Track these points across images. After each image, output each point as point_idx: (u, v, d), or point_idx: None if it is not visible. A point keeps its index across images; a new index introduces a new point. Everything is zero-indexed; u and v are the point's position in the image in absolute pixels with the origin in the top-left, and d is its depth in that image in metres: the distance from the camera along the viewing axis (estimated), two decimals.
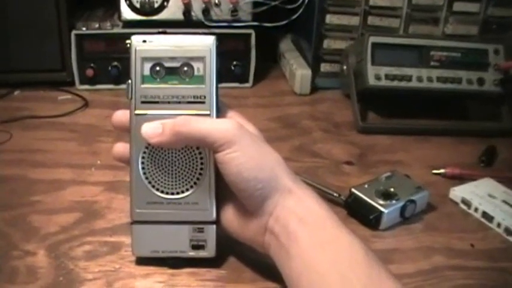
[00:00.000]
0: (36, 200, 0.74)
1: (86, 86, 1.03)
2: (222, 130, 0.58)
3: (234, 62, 1.06)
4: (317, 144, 0.91)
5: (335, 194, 0.76)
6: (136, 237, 0.63)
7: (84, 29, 1.00)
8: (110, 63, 1.02)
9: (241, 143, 0.58)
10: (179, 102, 0.60)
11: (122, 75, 1.02)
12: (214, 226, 0.62)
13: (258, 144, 0.61)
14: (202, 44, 0.61)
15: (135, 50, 0.60)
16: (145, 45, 0.61)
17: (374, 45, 0.97)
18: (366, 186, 0.75)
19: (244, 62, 1.07)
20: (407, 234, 0.72)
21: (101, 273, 0.64)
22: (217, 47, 0.61)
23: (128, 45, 0.61)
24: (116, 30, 1.02)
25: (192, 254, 0.63)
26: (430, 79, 0.96)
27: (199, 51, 0.61)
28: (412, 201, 0.73)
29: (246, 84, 1.09)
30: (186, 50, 0.61)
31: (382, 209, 0.71)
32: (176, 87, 0.61)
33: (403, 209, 0.73)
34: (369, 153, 0.89)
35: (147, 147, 0.61)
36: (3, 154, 0.84)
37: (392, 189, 0.74)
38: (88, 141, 0.88)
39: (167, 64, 0.61)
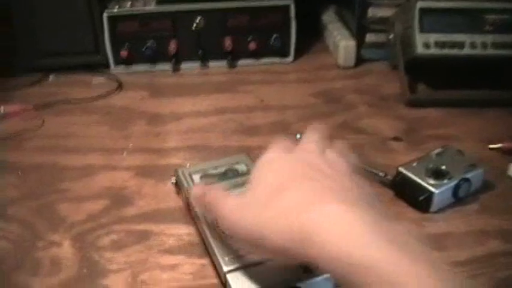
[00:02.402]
0: (64, 188, 0.70)
1: (121, 68, 0.97)
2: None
3: (273, 36, 0.98)
4: (362, 120, 0.82)
5: (381, 174, 0.68)
6: (237, 284, 0.52)
7: (116, 9, 0.94)
8: (144, 43, 0.95)
9: None
10: (234, 186, 0.62)
11: (157, 54, 0.96)
12: None
13: None
14: (237, 156, 0.69)
15: (181, 172, 0.66)
16: (188, 168, 0.67)
17: (422, 10, 0.86)
18: (415, 164, 0.66)
19: (283, 35, 0.98)
20: (461, 217, 0.63)
21: (126, 264, 0.58)
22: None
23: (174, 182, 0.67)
24: (149, 9, 0.95)
25: (307, 276, 0.52)
26: (484, 45, 0.85)
27: (235, 158, 0.68)
28: (466, 180, 0.64)
29: (287, 59, 1.00)
30: (224, 161, 0.68)
31: (432, 189, 0.63)
32: (228, 180, 0.64)
33: (456, 189, 0.64)
34: (418, 128, 0.80)
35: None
36: (34, 141, 0.79)
37: (443, 167, 0.65)
38: (121, 125, 0.82)
39: (213, 171, 0.66)
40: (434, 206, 0.63)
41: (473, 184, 0.65)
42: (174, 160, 0.74)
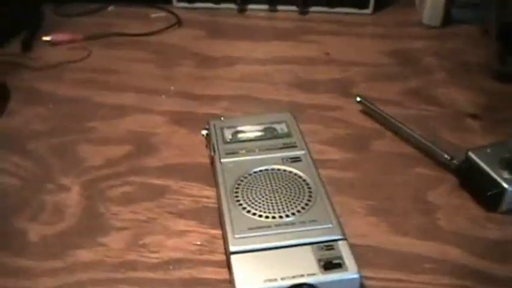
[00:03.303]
0: (91, 126, 0.62)
1: (183, 4, 0.87)
2: None
3: None
4: (438, 89, 0.68)
5: (446, 156, 0.55)
6: (240, 269, 0.42)
7: None
8: None
9: None
10: (268, 149, 0.53)
11: None
12: (346, 242, 0.44)
13: None
14: (279, 114, 0.58)
15: (213, 125, 0.57)
16: (222, 121, 0.58)
17: None
18: (489, 150, 0.52)
19: None
20: None
21: (131, 222, 0.50)
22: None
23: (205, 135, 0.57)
24: None
25: (326, 276, 0.41)
26: None
27: (278, 116, 0.58)
28: None
29: (366, 11, 0.85)
30: (264, 117, 0.58)
31: (505, 184, 0.49)
32: (262, 141, 0.55)
33: None
34: (502, 107, 0.65)
35: (238, 184, 0.49)
36: (75, 73, 0.72)
37: None
38: (168, 64, 0.73)
39: (248, 129, 0.56)
40: (505, 205, 0.50)
41: None
42: (215, 110, 0.64)
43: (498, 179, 0.49)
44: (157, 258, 0.47)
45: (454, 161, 0.54)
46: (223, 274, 0.45)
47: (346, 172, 0.56)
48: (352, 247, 0.46)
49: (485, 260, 0.46)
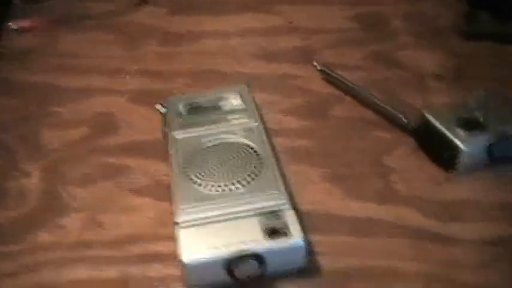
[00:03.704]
0: (54, 111, 0.61)
1: None
2: None
3: None
4: (403, 51, 0.66)
5: (403, 119, 0.54)
6: (186, 241, 0.42)
7: None
8: None
9: None
10: (220, 122, 0.53)
11: None
12: (292, 211, 0.43)
13: None
14: (235, 87, 0.58)
15: (169, 101, 0.57)
16: (178, 97, 0.58)
17: None
18: (446, 110, 0.52)
19: None
20: (493, 183, 0.49)
21: (88, 203, 0.50)
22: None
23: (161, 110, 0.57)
24: None
25: (271, 243, 0.41)
26: None
27: (234, 89, 0.57)
28: (506, 137, 0.49)
29: None
30: (220, 91, 0.57)
31: (460, 144, 0.48)
32: (216, 115, 0.54)
33: (491, 147, 0.49)
34: (467, 66, 0.63)
35: (190, 157, 0.49)
36: (41, 59, 0.70)
37: (481, 118, 0.50)
38: (132, 45, 0.72)
39: (204, 103, 0.56)
40: (461, 165, 0.49)
41: None
42: (177, 86, 0.63)
43: (454, 140, 0.49)
44: (112, 235, 0.47)
45: (412, 124, 0.53)
46: (174, 247, 0.44)
47: (303, 140, 0.55)
48: (305, 214, 0.46)
49: (439, 220, 0.46)
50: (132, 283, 0.44)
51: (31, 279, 0.44)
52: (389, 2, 0.76)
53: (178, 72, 0.66)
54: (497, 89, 0.56)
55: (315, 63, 0.61)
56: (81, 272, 0.44)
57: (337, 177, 0.51)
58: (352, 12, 0.74)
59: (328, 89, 0.61)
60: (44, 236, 0.48)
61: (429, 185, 0.49)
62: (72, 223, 0.49)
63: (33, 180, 0.53)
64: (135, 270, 0.44)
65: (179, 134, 0.52)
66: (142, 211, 0.49)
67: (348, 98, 0.59)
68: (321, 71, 0.61)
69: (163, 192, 0.49)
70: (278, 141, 0.54)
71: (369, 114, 0.57)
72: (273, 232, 0.42)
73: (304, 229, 0.44)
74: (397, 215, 0.46)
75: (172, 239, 0.44)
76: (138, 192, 0.51)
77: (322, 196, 0.49)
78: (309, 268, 0.42)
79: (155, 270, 0.44)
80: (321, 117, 0.58)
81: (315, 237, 0.45)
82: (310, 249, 0.43)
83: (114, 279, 0.44)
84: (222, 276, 0.41)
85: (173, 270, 0.43)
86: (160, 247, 0.45)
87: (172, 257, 0.43)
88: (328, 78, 0.61)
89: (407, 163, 0.51)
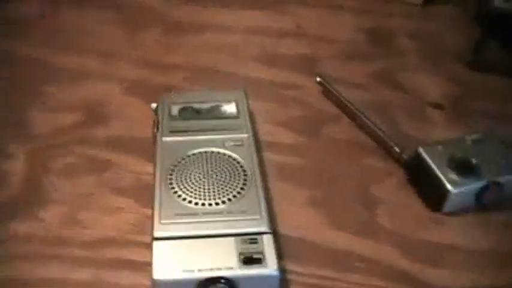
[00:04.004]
0: (46, 91, 0.60)
1: None
2: None
3: None
4: (406, 73, 0.65)
5: (396, 149, 0.53)
6: (159, 257, 0.41)
7: None
8: None
9: None
10: (212, 130, 0.52)
11: None
12: (271, 236, 0.42)
13: None
14: (232, 92, 0.56)
15: (162, 99, 0.55)
16: (172, 96, 0.57)
17: None
18: (440, 147, 0.50)
19: None
20: (479, 229, 0.48)
21: (70, 196, 0.50)
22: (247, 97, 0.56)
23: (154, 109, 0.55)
24: None
25: (244, 271, 0.40)
26: None
27: (230, 94, 0.56)
28: (497, 184, 0.48)
29: None
30: (216, 94, 0.56)
31: (449, 186, 0.47)
32: (208, 121, 0.53)
33: (480, 193, 0.48)
34: (470, 98, 0.62)
35: (175, 165, 0.48)
36: (40, 30, 0.69)
37: (474, 160, 0.49)
38: (135, 27, 0.70)
39: (197, 106, 0.55)
40: (448, 206, 0.48)
41: (507, 191, 0.48)
42: (173, 80, 0.62)
43: (443, 180, 0.48)
44: (89, 235, 0.46)
45: (404, 155, 0.52)
46: (149, 256, 0.43)
47: (293, 157, 0.54)
48: (284, 239, 0.46)
49: (418, 263, 0.45)
50: None
51: (2, 271, 0.44)
52: (401, 16, 0.74)
53: (176, 65, 0.65)
54: (498, 127, 0.55)
55: (317, 77, 0.60)
56: (54, 271, 0.44)
57: (323, 202, 0.50)
58: (361, 22, 0.72)
59: (326, 105, 0.60)
60: (20, 227, 0.47)
61: (414, 223, 0.48)
62: (50, 217, 0.48)
63: (16, 165, 0.52)
64: (107, 275, 0.44)
65: (167, 138, 0.50)
66: (122, 214, 0.48)
67: (344, 118, 0.58)
68: (320, 84, 0.60)
69: (146, 195, 0.48)
70: (268, 155, 0.54)
71: (364, 138, 0.56)
72: (248, 259, 0.41)
73: (281, 256, 0.44)
74: (377, 251, 0.46)
75: (148, 248, 0.43)
76: (121, 192, 0.50)
77: (304, 221, 0.48)
78: None
79: (126, 277, 0.44)
80: (315, 135, 0.56)
81: (291, 266, 0.44)
82: (284, 278, 0.43)
83: (85, 282, 0.43)
84: None
85: (143, 280, 0.42)
86: (135, 255, 0.45)
87: (145, 267, 0.42)
88: (327, 93, 0.60)
89: (394, 196, 0.50)
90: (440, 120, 0.58)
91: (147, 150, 0.52)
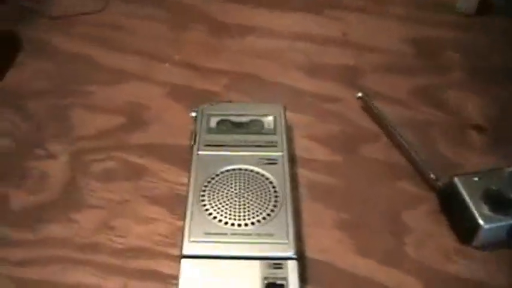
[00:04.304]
0: (90, 91, 0.62)
1: None
2: None
3: None
4: (449, 91, 0.63)
5: (431, 176, 0.52)
6: (186, 275, 0.42)
7: None
8: None
9: None
10: (248, 146, 0.52)
11: None
12: (295, 262, 0.43)
13: None
14: (271, 106, 0.56)
15: (202, 110, 0.56)
16: (212, 106, 0.56)
17: None
18: (476, 179, 0.49)
19: None
20: (507, 267, 0.47)
21: (105, 202, 0.51)
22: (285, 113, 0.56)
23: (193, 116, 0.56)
24: None
25: None
26: None
27: (269, 108, 0.56)
28: None
29: None
30: (255, 108, 0.56)
31: (481, 221, 0.46)
32: (244, 135, 0.53)
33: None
34: None
35: (208, 182, 0.49)
36: (86, 26, 0.71)
37: (511, 194, 0.48)
38: (179, 27, 0.71)
39: (235, 119, 0.55)
40: (479, 241, 0.47)
41: None
42: (215, 86, 0.63)
43: (475, 214, 0.47)
44: (121, 244, 0.48)
45: (439, 183, 0.51)
46: (176, 269, 0.44)
47: (327, 176, 0.54)
48: (310, 262, 0.46)
49: None
50: None
51: (37, 272, 0.46)
52: (450, 26, 0.72)
53: (219, 70, 0.65)
54: None
55: (359, 93, 0.60)
56: (85, 277, 0.46)
57: (351, 225, 0.50)
58: (409, 33, 0.71)
59: (365, 121, 0.59)
60: (56, 230, 0.49)
61: (441, 255, 0.47)
62: (85, 221, 0.50)
63: (58, 165, 0.55)
64: (135, 285, 0.45)
65: (203, 152, 0.51)
66: (155, 224, 0.50)
67: (383, 137, 0.57)
68: (361, 99, 0.60)
69: (178, 206, 0.49)
70: (302, 172, 0.54)
71: (400, 160, 0.55)
72: (271, 284, 0.42)
73: (305, 280, 0.45)
74: (400, 282, 0.46)
75: (176, 261, 0.44)
76: (155, 201, 0.52)
77: (331, 244, 0.48)
78: None
79: None
80: (350, 153, 0.56)
81: None
82: None
83: None
84: None
85: None
86: (164, 267, 0.46)
87: (172, 280, 0.44)
88: (368, 109, 0.60)
89: (424, 225, 0.50)
90: (479, 145, 0.57)
91: (184, 159, 0.53)
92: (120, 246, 0.48)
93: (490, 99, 0.62)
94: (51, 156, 0.55)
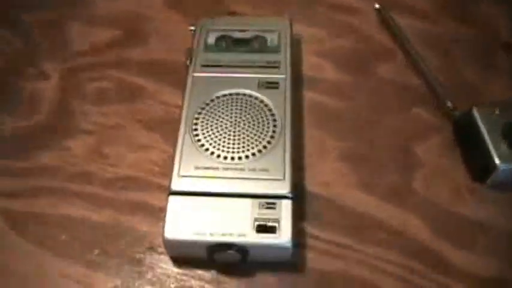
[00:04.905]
0: (87, 1, 0.57)
1: None
2: None
3: None
4: (476, 2, 0.55)
5: (448, 104, 0.47)
6: (173, 213, 0.40)
7: None
8: None
9: None
10: (248, 67, 0.48)
11: None
12: (290, 202, 0.40)
13: None
14: (277, 20, 0.52)
15: (201, 23, 0.52)
16: (212, 20, 0.52)
17: None
18: (497, 110, 0.44)
19: None
20: None
21: (99, 126, 0.49)
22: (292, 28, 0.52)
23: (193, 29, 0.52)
24: None
25: (256, 239, 0.39)
26: None
27: (275, 22, 0.52)
28: None
29: None
30: (258, 23, 0.52)
31: (497, 160, 0.42)
32: (245, 54, 0.50)
33: None
34: None
35: (202, 108, 0.46)
36: None
37: None
38: None
39: (236, 35, 0.51)
40: (494, 181, 0.43)
41: None
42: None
43: (492, 151, 0.42)
44: (112, 173, 0.46)
45: (456, 112, 0.46)
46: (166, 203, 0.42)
47: (335, 100, 0.50)
48: (310, 197, 0.44)
49: (445, 240, 0.42)
50: (119, 232, 0.43)
51: (26, 204, 0.45)
52: None
53: None
54: None
55: (376, 5, 0.53)
56: (75, 209, 0.44)
57: (356, 157, 0.46)
58: None
59: (382, 37, 0.53)
60: (47, 158, 0.47)
61: (451, 193, 0.44)
62: (78, 148, 0.48)
63: (49, 85, 0.52)
64: (125, 218, 0.44)
65: (198, 73, 0.48)
66: (148, 151, 0.47)
67: (400, 55, 0.52)
68: (379, 11, 0.53)
69: (173, 131, 0.45)
70: (308, 95, 0.50)
71: (417, 83, 0.50)
72: (262, 226, 0.39)
73: (303, 216, 0.42)
74: (404, 222, 0.42)
75: (166, 193, 0.42)
76: (150, 125, 0.48)
77: (333, 178, 0.45)
78: (294, 262, 0.41)
79: (144, 223, 0.43)
80: (363, 73, 0.51)
81: (310, 229, 0.42)
82: (300, 242, 0.42)
83: (103, 224, 0.43)
84: (202, 255, 0.40)
85: (159, 229, 0.41)
86: (155, 199, 0.44)
87: (162, 214, 0.41)
88: (386, 22, 0.53)
89: (436, 158, 0.46)
90: (506, 67, 0.51)
91: (180, 77, 0.49)
92: (111, 175, 0.46)
93: None
94: (45, 75, 0.52)
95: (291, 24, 0.50)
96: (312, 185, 0.45)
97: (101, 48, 0.54)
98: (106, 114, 0.50)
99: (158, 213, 0.43)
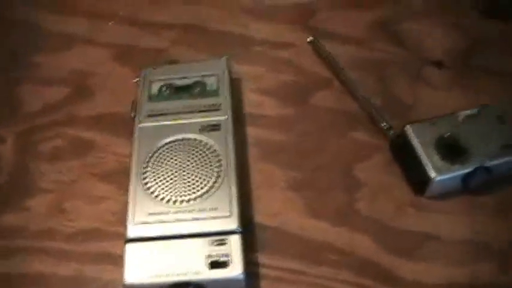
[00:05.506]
0: (35, 62, 0.59)
1: None
2: None
3: None
4: (406, 22, 0.59)
5: (383, 124, 0.50)
6: (131, 259, 0.42)
7: None
8: None
9: None
10: (190, 112, 0.51)
11: None
12: (239, 236, 0.43)
13: None
14: (214, 62, 0.54)
15: (144, 75, 0.54)
16: (154, 71, 0.55)
17: None
18: (429, 125, 0.47)
19: None
20: (464, 214, 0.46)
21: (55, 184, 0.51)
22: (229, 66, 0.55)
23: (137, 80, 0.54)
24: None
25: (210, 275, 0.41)
26: None
27: (212, 65, 0.54)
28: (487, 170, 0.45)
29: None
30: (197, 68, 0.54)
31: (432, 173, 0.45)
32: (187, 100, 0.52)
33: (467, 178, 0.45)
34: (478, 53, 0.56)
35: (150, 157, 0.48)
36: None
37: (464, 142, 0.46)
38: None
39: (177, 83, 0.53)
40: (432, 192, 0.46)
41: (495, 174, 0.45)
42: (161, 43, 0.60)
43: (427, 165, 0.45)
44: (73, 227, 0.48)
45: (392, 132, 0.49)
46: None
47: (277, 133, 0.52)
48: (261, 228, 0.46)
49: (391, 254, 0.44)
50: (85, 283, 0.45)
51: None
52: None
53: (165, 24, 0.61)
54: (503, 92, 0.51)
55: (309, 37, 0.56)
56: (41, 266, 0.46)
57: (303, 185, 0.49)
58: None
59: (318, 67, 0.56)
60: (9, 219, 0.49)
61: (393, 208, 0.46)
62: (38, 206, 0.49)
63: (5, 149, 0.53)
64: (89, 269, 0.45)
65: (144, 124, 0.50)
66: (105, 202, 0.49)
67: (336, 83, 0.54)
68: (312, 43, 0.57)
69: (126, 180, 0.47)
70: (251, 131, 0.52)
71: (353, 107, 0.53)
72: (214, 262, 0.42)
73: (255, 247, 0.44)
74: (351, 241, 0.45)
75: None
76: (103, 177, 0.50)
77: (282, 207, 0.47)
78: None
79: (108, 272, 0.45)
80: (302, 105, 0.54)
81: (262, 258, 0.44)
82: (253, 272, 0.43)
83: (69, 278, 0.45)
84: None
85: (121, 275, 0.43)
86: (116, 248, 0.45)
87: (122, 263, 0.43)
88: (319, 53, 0.56)
89: (377, 177, 0.48)
90: (438, 83, 0.54)
91: (129, 129, 0.51)
92: (72, 230, 0.48)
93: (452, 31, 0.58)
94: (0, 139, 0.54)
95: (228, 66, 0.53)
96: (261, 216, 0.47)
97: (51, 107, 0.56)
98: (62, 171, 0.51)
99: (119, 261, 0.44)
